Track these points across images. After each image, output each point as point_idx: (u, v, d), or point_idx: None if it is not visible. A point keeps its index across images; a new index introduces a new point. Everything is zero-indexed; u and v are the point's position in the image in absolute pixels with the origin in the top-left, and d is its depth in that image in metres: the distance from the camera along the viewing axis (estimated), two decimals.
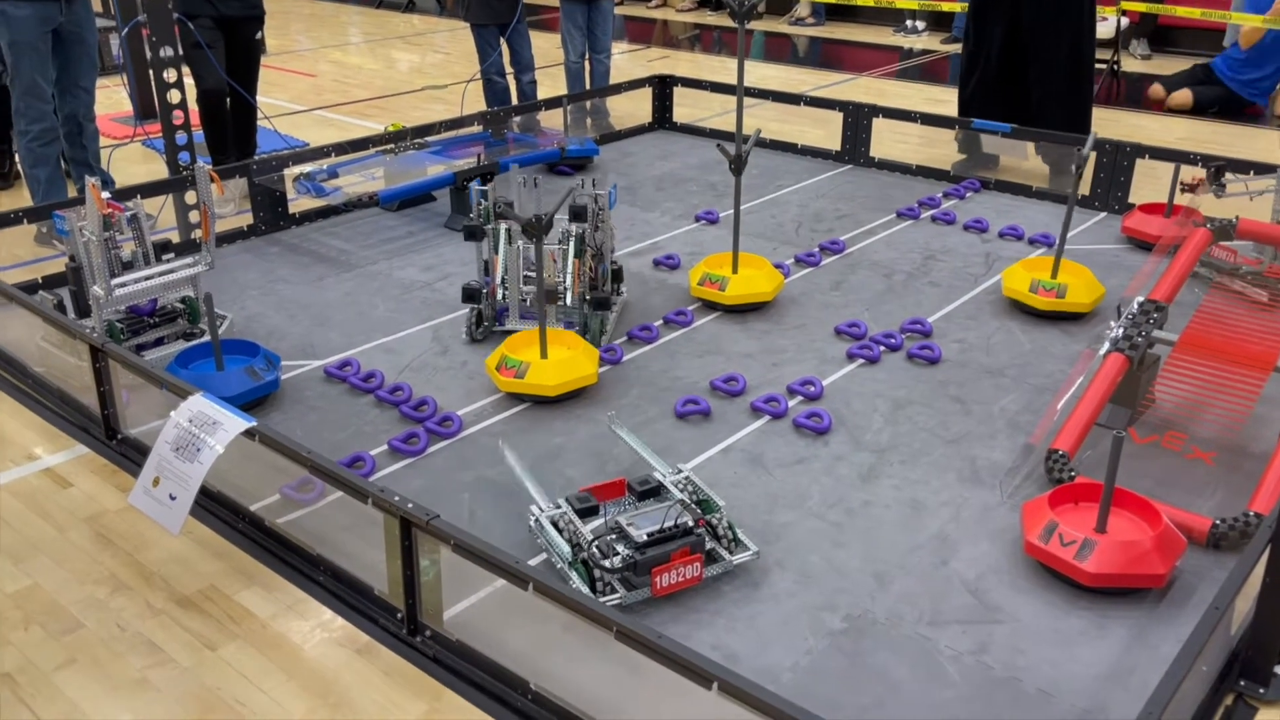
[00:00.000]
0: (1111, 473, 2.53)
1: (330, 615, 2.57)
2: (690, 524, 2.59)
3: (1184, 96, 7.39)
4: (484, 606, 2.51)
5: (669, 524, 2.57)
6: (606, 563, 2.52)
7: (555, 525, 2.68)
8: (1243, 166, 4.75)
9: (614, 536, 2.60)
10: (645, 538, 2.55)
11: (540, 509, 2.74)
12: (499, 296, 3.83)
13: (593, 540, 2.57)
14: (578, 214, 3.74)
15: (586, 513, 2.70)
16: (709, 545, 2.65)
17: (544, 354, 3.42)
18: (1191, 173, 4.73)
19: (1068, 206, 3.83)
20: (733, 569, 2.64)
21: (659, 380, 3.60)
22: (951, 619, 2.50)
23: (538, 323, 3.45)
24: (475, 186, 3.84)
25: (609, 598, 2.50)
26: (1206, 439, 3.16)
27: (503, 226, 3.76)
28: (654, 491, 2.77)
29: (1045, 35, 5.44)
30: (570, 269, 3.75)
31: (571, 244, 3.75)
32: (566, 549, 2.60)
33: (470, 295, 3.79)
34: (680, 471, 2.85)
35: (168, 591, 2.64)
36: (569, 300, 3.77)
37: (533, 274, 3.83)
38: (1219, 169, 4.63)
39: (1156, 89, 7.60)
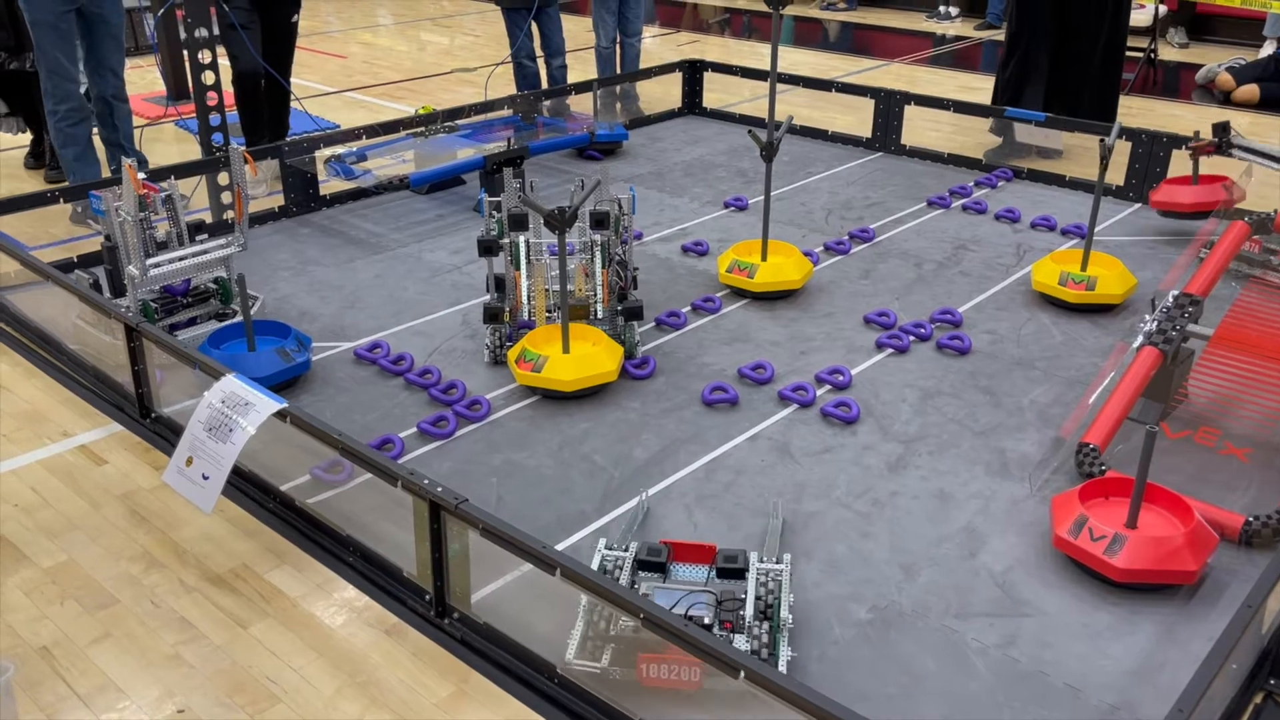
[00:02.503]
0: (1143, 467, 2.51)
1: (359, 595, 2.59)
2: (707, 620, 2.30)
3: (1250, 91, 7.21)
4: (511, 590, 2.53)
5: (680, 611, 2.28)
6: (598, 620, 2.31)
7: (604, 568, 2.49)
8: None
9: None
10: None
11: (606, 546, 2.57)
12: (524, 314, 3.60)
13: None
14: (600, 221, 3.48)
15: (648, 565, 2.49)
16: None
17: (566, 348, 3.38)
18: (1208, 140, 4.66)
19: (1095, 197, 3.79)
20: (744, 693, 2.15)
21: (686, 367, 3.60)
22: (979, 612, 2.50)
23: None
24: (485, 199, 3.59)
25: (588, 663, 2.26)
26: (1240, 435, 3.13)
27: (521, 239, 3.51)
28: (737, 572, 2.48)
29: (1089, 18, 5.47)
30: (599, 280, 3.58)
31: (598, 254, 3.54)
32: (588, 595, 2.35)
33: (492, 316, 3.57)
34: (780, 562, 2.53)
35: (200, 569, 2.68)
36: (599, 313, 3.61)
37: (556, 288, 3.56)
38: (1224, 125, 4.55)
39: (1226, 79, 7.38)
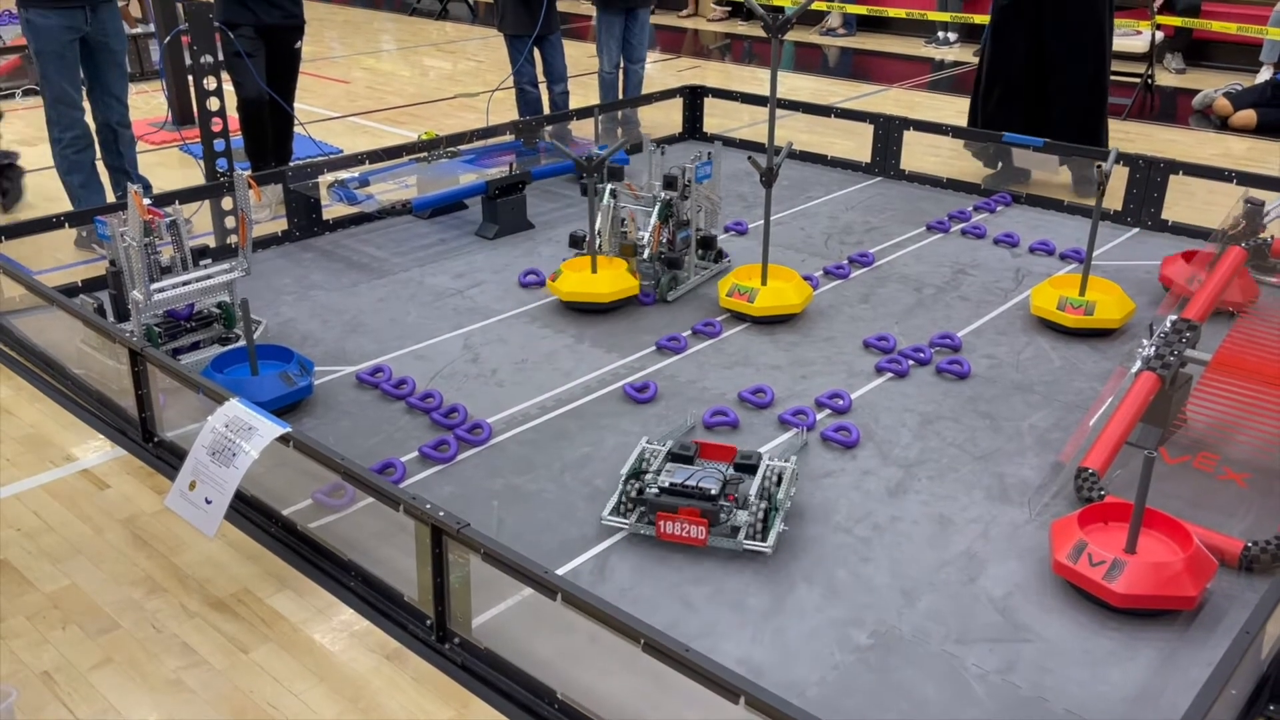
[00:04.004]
0: (1142, 492, 2.52)
1: (360, 620, 2.60)
2: (713, 491, 2.73)
3: (1247, 117, 7.21)
4: (512, 615, 2.53)
5: (691, 482, 2.76)
6: (630, 489, 2.84)
7: (642, 455, 2.99)
8: (1259, 182, 4.70)
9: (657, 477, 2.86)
10: (667, 484, 2.77)
11: (647, 441, 3.06)
12: (597, 244, 4.15)
13: (647, 473, 2.88)
14: (669, 183, 4.18)
15: (680, 458, 2.95)
16: (735, 521, 2.74)
17: (594, 269, 4.11)
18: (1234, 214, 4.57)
19: (1092, 222, 3.81)
20: (741, 551, 2.74)
21: (687, 390, 3.61)
22: (979, 637, 2.50)
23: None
24: (593, 148, 4.25)
25: (619, 520, 2.81)
26: (1239, 460, 3.14)
27: (608, 187, 4.21)
28: (751, 467, 2.91)
29: (1067, 49, 5.46)
30: (652, 229, 4.15)
31: (657, 208, 4.16)
32: (626, 470, 2.92)
33: (575, 242, 4.33)
34: (789, 461, 2.95)
35: (202, 594, 2.69)
36: (646, 255, 4.18)
37: (624, 230, 4.28)
38: (1259, 205, 4.36)
39: (1223, 104, 7.37)
